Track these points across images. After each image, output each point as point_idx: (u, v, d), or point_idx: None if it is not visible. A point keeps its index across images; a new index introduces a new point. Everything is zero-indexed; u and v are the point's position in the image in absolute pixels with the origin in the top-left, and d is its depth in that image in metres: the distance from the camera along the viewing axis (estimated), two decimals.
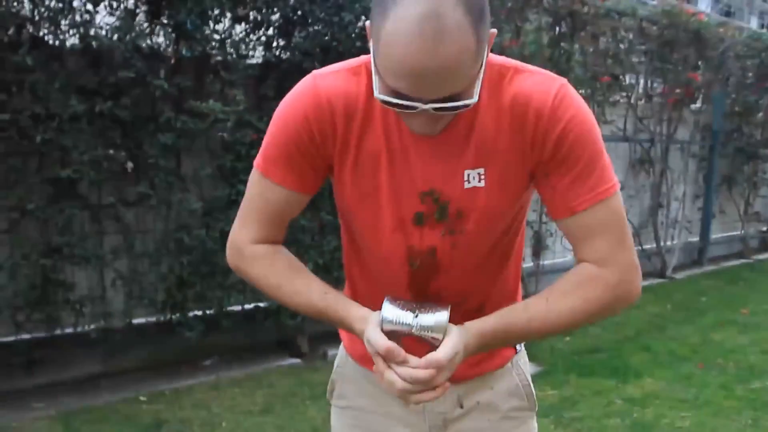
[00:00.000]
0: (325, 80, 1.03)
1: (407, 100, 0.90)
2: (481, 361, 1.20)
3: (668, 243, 6.61)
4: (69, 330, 3.32)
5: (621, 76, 5.74)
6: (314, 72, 1.06)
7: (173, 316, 3.53)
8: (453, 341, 0.98)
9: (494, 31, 0.95)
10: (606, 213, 1.02)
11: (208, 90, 3.46)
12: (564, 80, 1.02)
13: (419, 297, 1.11)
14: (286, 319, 3.71)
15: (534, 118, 0.98)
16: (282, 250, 1.13)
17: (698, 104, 6.71)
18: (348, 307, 1.07)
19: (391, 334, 0.98)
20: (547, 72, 1.02)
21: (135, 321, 3.45)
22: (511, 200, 1.06)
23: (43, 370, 3.32)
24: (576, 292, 1.03)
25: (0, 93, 2.91)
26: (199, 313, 3.57)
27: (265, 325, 3.79)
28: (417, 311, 1.00)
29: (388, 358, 0.97)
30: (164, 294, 3.47)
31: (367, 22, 0.93)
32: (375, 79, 0.93)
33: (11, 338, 3.18)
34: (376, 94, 0.93)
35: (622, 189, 1.06)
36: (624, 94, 5.91)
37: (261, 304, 3.77)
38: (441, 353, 0.97)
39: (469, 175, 1.02)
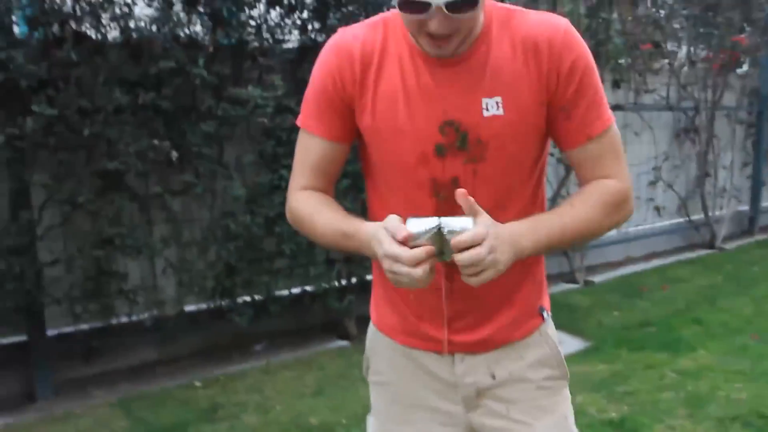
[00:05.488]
0: (345, 33, 1.19)
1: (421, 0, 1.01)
2: (508, 325, 1.24)
3: (717, 213, 6.45)
4: (124, 319, 3.40)
5: (662, 44, 5.58)
6: (340, 28, 1.22)
7: (223, 303, 3.59)
8: (484, 221, 1.03)
9: None
10: (614, 136, 1.17)
11: (246, 76, 3.51)
12: (566, 19, 1.15)
13: None
14: (333, 302, 3.74)
15: (547, 47, 1.10)
16: (323, 194, 1.24)
17: (744, 68, 6.49)
18: (360, 224, 1.14)
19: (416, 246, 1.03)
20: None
21: (187, 308, 3.53)
22: (528, 130, 1.14)
23: (101, 358, 3.41)
24: (595, 197, 1.15)
25: (48, 89, 2.98)
26: (248, 298, 3.63)
27: (313, 308, 3.83)
28: (440, 219, 1.04)
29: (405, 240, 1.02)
30: (213, 281, 3.53)
31: None
32: None
33: (70, 328, 3.29)
34: (394, 2, 1.06)
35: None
36: (666, 61, 5.74)
37: (308, 288, 3.82)
38: (476, 227, 1.03)
39: (487, 103, 1.11)
